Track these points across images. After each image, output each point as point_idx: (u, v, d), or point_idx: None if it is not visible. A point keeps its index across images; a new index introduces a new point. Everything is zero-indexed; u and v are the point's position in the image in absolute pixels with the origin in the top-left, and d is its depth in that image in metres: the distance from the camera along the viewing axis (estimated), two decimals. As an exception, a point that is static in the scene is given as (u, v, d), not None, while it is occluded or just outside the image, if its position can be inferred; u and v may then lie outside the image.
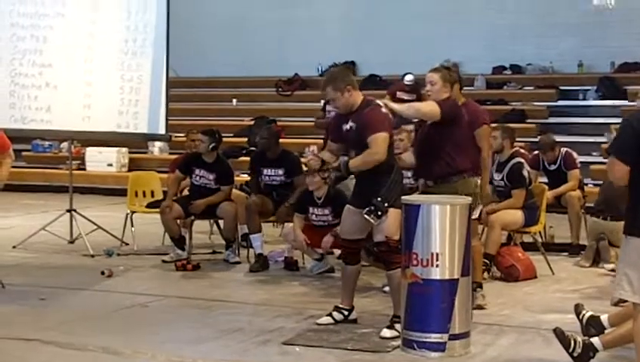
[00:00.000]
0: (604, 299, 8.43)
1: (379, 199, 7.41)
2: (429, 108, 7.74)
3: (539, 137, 12.36)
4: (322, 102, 11.45)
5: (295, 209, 10.20)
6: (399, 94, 14.93)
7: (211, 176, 10.87)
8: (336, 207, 9.80)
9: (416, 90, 11.35)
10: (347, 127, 7.68)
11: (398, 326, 7.32)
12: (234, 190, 11.27)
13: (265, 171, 10.79)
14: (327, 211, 9.98)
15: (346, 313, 7.96)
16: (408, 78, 14.92)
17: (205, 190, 10.85)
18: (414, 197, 7.46)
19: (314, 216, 10.07)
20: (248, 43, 21.50)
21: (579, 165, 11.88)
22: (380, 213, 7.44)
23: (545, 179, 11.90)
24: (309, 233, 10.02)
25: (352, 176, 8.51)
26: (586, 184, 13.22)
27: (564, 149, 11.90)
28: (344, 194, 9.99)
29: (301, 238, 9.95)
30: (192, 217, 10.91)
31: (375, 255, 8.11)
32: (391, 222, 7.43)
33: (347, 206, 7.91)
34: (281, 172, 10.71)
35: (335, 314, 7.96)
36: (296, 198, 10.38)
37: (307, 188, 10.36)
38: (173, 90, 13.58)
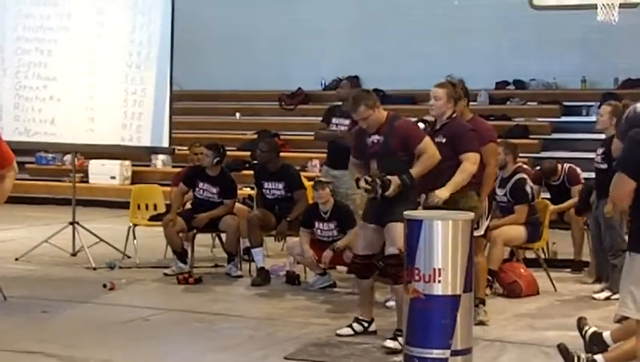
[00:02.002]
0: (607, 316, 8.42)
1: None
2: (474, 162, 7.84)
3: (538, 167, 12.31)
4: (324, 112, 11.38)
5: (301, 223, 10.19)
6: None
7: (215, 190, 10.88)
8: (341, 221, 9.83)
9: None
10: (373, 140, 7.87)
11: (401, 339, 7.32)
12: (237, 204, 11.28)
13: (266, 184, 10.79)
14: (332, 226, 9.98)
15: (365, 324, 8.04)
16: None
17: (208, 203, 10.85)
18: (416, 213, 7.46)
19: (319, 230, 10.07)
20: (252, 57, 21.52)
21: (582, 181, 11.85)
22: (381, 190, 7.61)
23: (548, 195, 11.88)
24: (313, 247, 10.02)
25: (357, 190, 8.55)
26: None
27: (567, 165, 11.88)
28: (349, 209, 10.02)
29: (310, 254, 9.94)
30: (195, 230, 10.91)
31: (381, 269, 8.13)
32: (402, 235, 7.46)
33: (359, 222, 8.12)
34: (281, 186, 10.70)
35: (355, 325, 8.04)
36: (299, 213, 10.38)
37: (311, 203, 10.37)
38: (177, 103, 13.61)
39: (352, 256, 8.38)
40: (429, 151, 7.73)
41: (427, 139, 7.80)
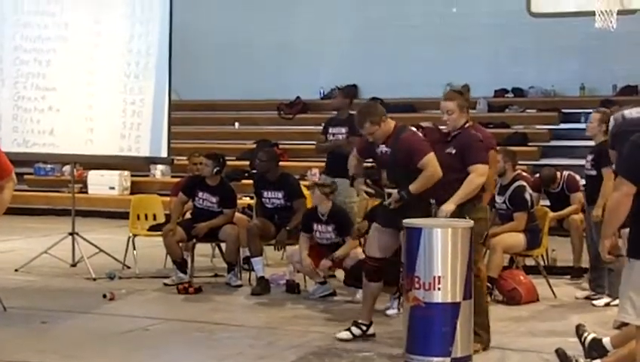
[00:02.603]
0: (607, 322, 8.41)
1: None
2: (481, 173, 7.70)
3: (538, 174, 12.31)
4: (323, 125, 11.48)
5: (301, 228, 10.19)
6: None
7: (214, 199, 10.88)
8: (339, 225, 9.84)
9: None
10: (382, 150, 7.98)
11: None
12: (236, 213, 11.27)
13: (265, 193, 10.80)
14: (330, 228, 9.98)
15: (364, 328, 8.07)
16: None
17: (208, 213, 10.85)
18: (416, 221, 7.47)
19: (317, 233, 10.06)
20: (250, 66, 21.54)
21: (581, 188, 11.84)
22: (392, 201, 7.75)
23: (547, 202, 11.88)
24: (312, 253, 10.00)
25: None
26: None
27: (566, 172, 11.89)
28: (347, 213, 10.05)
29: (308, 262, 9.93)
30: (194, 240, 10.91)
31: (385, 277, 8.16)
32: None
33: (374, 225, 8.13)
34: (280, 195, 10.71)
35: (354, 329, 8.07)
36: (299, 222, 10.38)
37: (310, 208, 10.37)
38: (176, 113, 13.59)
39: (363, 258, 8.46)
40: (430, 168, 7.73)
41: (429, 156, 7.77)
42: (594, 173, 9.51)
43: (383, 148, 7.96)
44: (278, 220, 10.65)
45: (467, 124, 7.86)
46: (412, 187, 7.71)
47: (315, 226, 10.07)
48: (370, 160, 8.42)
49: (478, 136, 7.88)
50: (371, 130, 7.92)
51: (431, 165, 7.73)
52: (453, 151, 7.75)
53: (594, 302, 9.72)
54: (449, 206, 7.49)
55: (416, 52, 20.17)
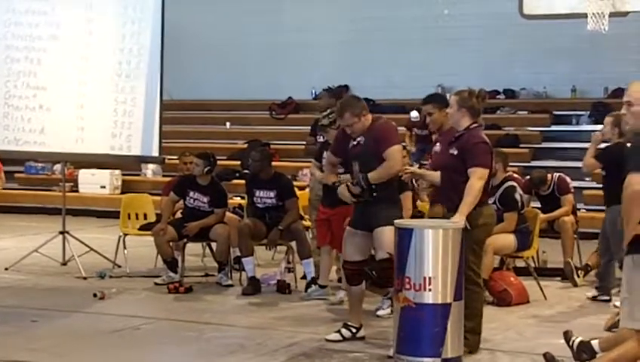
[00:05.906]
0: (597, 324, 8.42)
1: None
2: (480, 177, 7.50)
3: (528, 176, 12.32)
4: (311, 126, 11.46)
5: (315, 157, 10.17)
6: (415, 130, 15.21)
7: (205, 199, 10.87)
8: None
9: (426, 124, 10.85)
10: (355, 142, 7.98)
11: None
12: (227, 213, 11.27)
13: (257, 193, 10.77)
14: None
15: (354, 330, 8.09)
16: (413, 115, 15.16)
17: (199, 212, 10.85)
18: (407, 221, 7.46)
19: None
20: (242, 66, 21.54)
21: (572, 190, 11.88)
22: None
23: (538, 204, 11.90)
24: (325, 230, 9.94)
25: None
26: (579, 209, 13.21)
27: (557, 174, 11.91)
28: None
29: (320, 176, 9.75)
30: (185, 240, 10.90)
31: (372, 278, 8.13)
32: (391, 239, 7.48)
33: (348, 228, 8.11)
34: (272, 194, 10.69)
35: (343, 331, 8.08)
36: (291, 222, 10.40)
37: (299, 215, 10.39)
38: (167, 112, 13.58)
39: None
40: (391, 161, 7.77)
41: (396, 148, 7.82)
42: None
43: (358, 139, 7.97)
44: (269, 220, 10.63)
45: (472, 126, 7.72)
46: (371, 175, 7.75)
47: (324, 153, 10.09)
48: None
49: (482, 138, 7.73)
50: (350, 122, 7.92)
51: (393, 158, 7.77)
52: (456, 152, 7.62)
53: (587, 293, 9.90)
54: (459, 217, 7.29)
55: (408, 53, 20.18)
